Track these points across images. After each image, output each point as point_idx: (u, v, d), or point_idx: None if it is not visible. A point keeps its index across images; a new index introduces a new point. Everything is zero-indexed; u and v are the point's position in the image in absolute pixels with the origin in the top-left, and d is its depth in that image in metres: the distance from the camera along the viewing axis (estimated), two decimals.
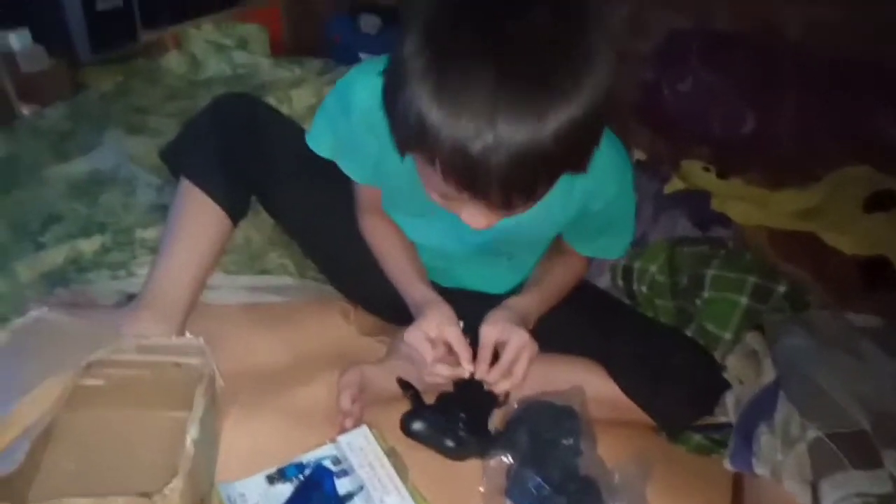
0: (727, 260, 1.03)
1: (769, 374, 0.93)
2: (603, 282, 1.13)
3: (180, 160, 0.93)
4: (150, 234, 1.09)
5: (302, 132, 0.94)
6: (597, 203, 0.81)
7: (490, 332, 0.78)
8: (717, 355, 0.94)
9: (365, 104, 0.75)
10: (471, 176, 0.55)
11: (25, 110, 1.52)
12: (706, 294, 1.00)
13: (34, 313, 0.77)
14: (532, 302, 0.85)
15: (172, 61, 1.81)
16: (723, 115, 1.58)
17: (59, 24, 1.53)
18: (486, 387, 0.79)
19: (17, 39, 1.48)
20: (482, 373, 0.77)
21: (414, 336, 0.78)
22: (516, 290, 0.90)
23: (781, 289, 0.98)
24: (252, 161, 0.91)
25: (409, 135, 0.57)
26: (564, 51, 0.53)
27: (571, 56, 0.53)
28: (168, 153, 0.97)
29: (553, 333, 0.87)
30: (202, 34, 1.85)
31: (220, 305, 1.01)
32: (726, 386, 0.91)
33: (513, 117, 0.52)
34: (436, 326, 0.78)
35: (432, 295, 0.84)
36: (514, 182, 0.56)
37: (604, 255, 0.95)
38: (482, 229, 0.66)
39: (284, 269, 1.12)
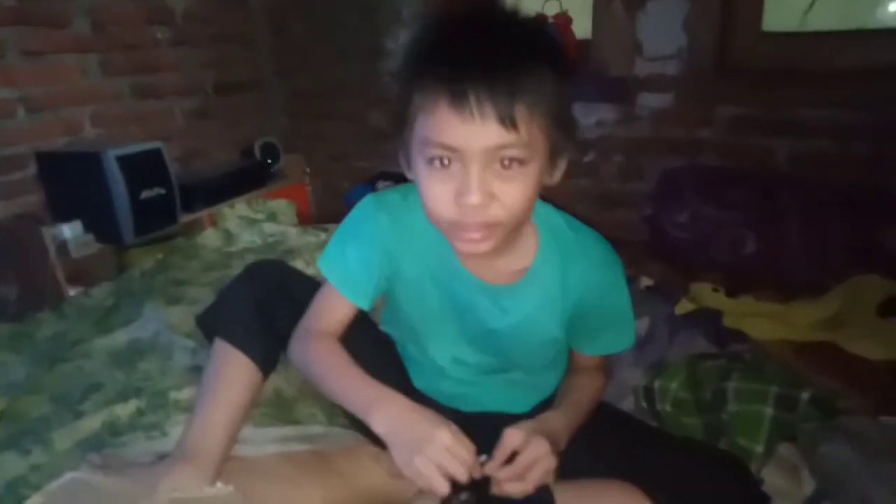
0: (747, 371, 1.05)
1: (810, 486, 0.90)
2: (626, 405, 1.13)
3: (215, 322, 1.00)
4: (184, 394, 1.14)
5: None
6: (592, 295, 0.84)
7: (513, 435, 0.77)
8: (751, 468, 0.92)
9: (380, 222, 0.86)
10: (464, 84, 0.65)
11: (72, 292, 1.65)
12: (731, 407, 1.00)
13: (69, 474, 0.80)
14: (561, 419, 0.85)
15: (209, 237, 1.97)
16: (723, 240, 1.65)
17: (108, 215, 1.70)
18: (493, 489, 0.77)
19: (70, 230, 1.65)
20: (494, 469, 0.75)
21: (423, 463, 0.73)
22: (538, 410, 0.91)
23: (805, 395, 0.99)
24: (282, 318, 0.97)
25: (411, 109, 0.70)
26: None
27: None
28: (203, 318, 1.06)
29: (583, 458, 0.86)
30: (235, 211, 2.03)
31: (251, 457, 1.02)
32: (767, 499, 0.88)
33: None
34: (442, 447, 0.73)
35: (387, 390, 0.81)
36: (496, 73, 0.65)
37: (611, 349, 0.94)
38: (478, 202, 0.68)
39: (313, 419, 1.14)
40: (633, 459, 0.90)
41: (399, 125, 0.74)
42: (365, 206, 0.89)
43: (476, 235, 0.72)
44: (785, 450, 0.98)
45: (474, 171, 0.68)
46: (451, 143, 0.68)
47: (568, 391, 0.92)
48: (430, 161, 0.71)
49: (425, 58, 0.70)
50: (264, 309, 0.97)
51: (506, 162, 0.69)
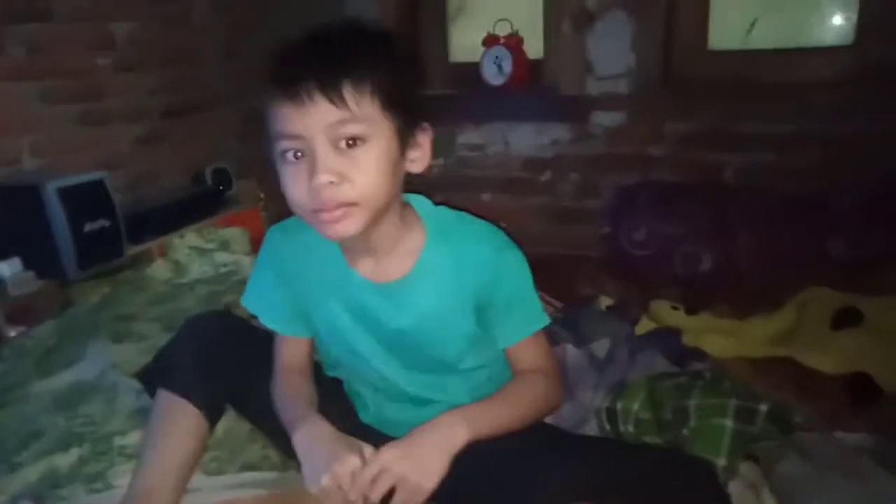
0: (707, 388, 1.05)
1: None
2: (589, 429, 1.12)
3: (157, 375, 0.98)
4: (129, 440, 1.08)
5: (270, 337, 1.01)
6: (488, 279, 0.84)
7: (373, 461, 0.77)
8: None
9: (280, 248, 0.91)
10: (294, 75, 0.72)
11: (13, 332, 1.57)
12: (692, 423, 1.00)
13: None
14: (459, 410, 0.83)
15: (158, 269, 1.90)
16: (679, 256, 1.67)
17: (49, 250, 1.63)
18: None
19: (8, 267, 1.57)
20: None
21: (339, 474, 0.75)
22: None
23: (763, 408, 1.00)
24: (227, 368, 0.96)
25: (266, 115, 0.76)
26: None
27: None
28: (145, 373, 1.03)
29: (544, 481, 0.84)
30: (186, 241, 1.97)
31: None
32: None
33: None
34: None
35: (314, 414, 0.84)
36: (322, 56, 0.73)
37: (524, 331, 0.90)
38: (325, 181, 0.72)
39: (267, 461, 1.10)
40: (596, 475, 0.88)
41: (265, 135, 0.79)
42: (267, 238, 0.94)
43: (336, 214, 0.74)
44: (746, 469, 0.98)
45: (320, 153, 0.72)
46: (293, 131, 0.73)
47: (496, 394, 0.89)
48: (283, 155, 0.76)
49: (273, 70, 0.76)
50: (207, 359, 0.95)
51: (349, 141, 0.73)
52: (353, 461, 0.75)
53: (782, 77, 1.78)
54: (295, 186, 0.75)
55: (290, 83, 0.72)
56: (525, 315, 0.89)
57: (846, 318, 1.37)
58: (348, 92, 0.72)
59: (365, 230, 0.77)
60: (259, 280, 0.95)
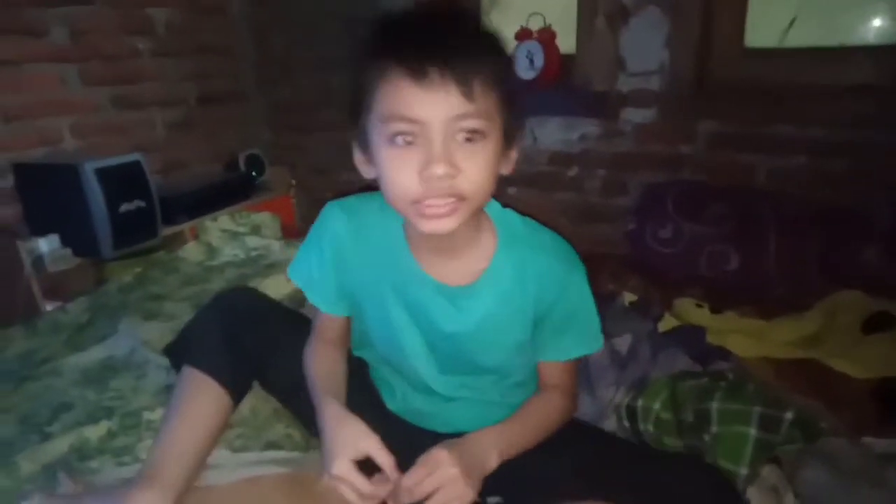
0: (730, 392, 1.03)
1: None
2: (609, 424, 1.11)
3: (183, 350, 0.99)
4: (157, 415, 1.11)
5: (297, 316, 1.05)
6: (551, 293, 0.83)
7: (433, 456, 0.78)
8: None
9: (337, 227, 0.88)
10: (421, 57, 0.67)
11: (49, 306, 1.62)
12: (714, 429, 0.99)
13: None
14: (494, 437, 0.83)
15: (190, 251, 1.94)
16: (706, 256, 1.65)
17: (86, 228, 1.67)
18: None
19: (46, 244, 1.62)
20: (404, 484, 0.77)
21: (340, 467, 0.78)
22: None
23: (789, 415, 0.98)
24: (251, 344, 0.97)
25: (367, 92, 0.72)
26: None
27: None
28: (171, 348, 1.06)
29: (562, 476, 0.85)
30: (218, 225, 2.00)
31: (219, 485, 1.00)
32: None
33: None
34: (352, 447, 0.79)
35: (343, 412, 0.84)
36: (453, 47, 0.68)
37: (576, 351, 0.91)
38: (444, 173, 0.69)
39: (290, 440, 1.12)
40: (610, 476, 0.88)
41: (356, 113, 0.76)
42: (325, 213, 0.91)
43: (442, 208, 0.72)
44: (768, 472, 0.96)
45: (438, 142, 0.69)
46: (414, 116, 0.69)
47: (521, 408, 0.90)
48: (393, 139, 0.71)
49: (387, 42, 0.72)
50: (233, 336, 0.96)
51: (468, 134, 0.70)
52: (339, 467, 0.78)
53: (819, 79, 1.74)
54: (400, 172, 0.71)
55: (419, 62, 0.67)
56: (581, 335, 0.90)
57: (877, 323, 1.34)
58: (478, 83, 0.69)
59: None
60: (309, 253, 0.92)
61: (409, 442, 0.94)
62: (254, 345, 0.96)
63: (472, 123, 0.70)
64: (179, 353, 1.01)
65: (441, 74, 0.67)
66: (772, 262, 1.60)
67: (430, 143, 0.69)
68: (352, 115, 0.77)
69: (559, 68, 2.03)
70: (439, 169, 0.69)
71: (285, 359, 0.99)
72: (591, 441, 0.96)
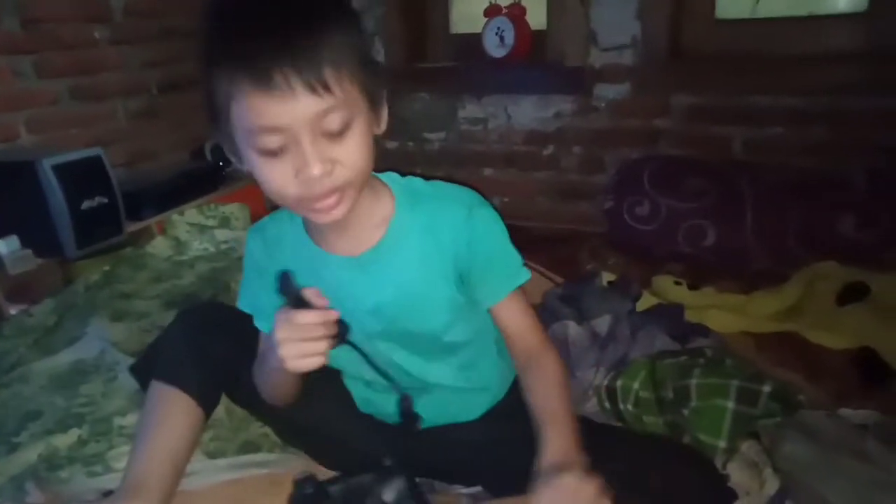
0: (708, 368, 1.04)
1: (773, 485, 0.90)
2: (590, 407, 1.11)
3: (150, 368, 0.97)
4: (128, 420, 1.08)
5: None
6: (464, 237, 0.81)
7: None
8: (715, 464, 0.91)
9: (254, 252, 0.88)
10: (265, 63, 0.63)
11: (13, 310, 1.57)
12: (693, 403, 0.99)
13: None
14: (560, 441, 0.78)
15: (158, 246, 1.88)
16: (683, 232, 1.64)
17: (47, 228, 1.62)
18: None
19: (5, 245, 1.56)
20: None
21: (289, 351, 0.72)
22: (492, 415, 0.90)
23: (766, 389, 0.98)
24: (220, 358, 0.95)
25: (221, 100, 0.67)
26: None
27: None
28: (137, 367, 1.04)
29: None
30: (185, 218, 1.95)
31: (199, 490, 0.98)
32: (732, 495, 0.87)
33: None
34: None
35: None
36: (293, 42, 0.63)
37: (508, 286, 0.86)
38: (320, 173, 0.66)
39: (267, 438, 1.10)
40: (591, 462, 0.87)
41: (214, 117, 0.71)
42: (246, 241, 0.91)
43: (330, 201, 0.71)
44: (748, 447, 0.97)
45: (307, 144, 0.66)
46: (274, 125, 0.66)
47: (538, 402, 0.84)
48: (262, 151, 0.68)
49: (218, 38, 0.67)
50: (200, 349, 0.94)
51: (334, 129, 0.67)
52: (282, 318, 0.72)
53: (792, 49, 1.73)
54: (279, 180, 0.69)
55: (262, 75, 0.63)
56: (506, 270, 0.86)
57: (853, 294, 1.35)
58: (331, 77, 0.65)
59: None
60: (246, 283, 0.93)
61: (387, 440, 0.92)
62: (222, 358, 0.95)
63: (335, 119, 0.67)
64: (147, 370, 0.99)
65: (288, 78, 0.63)
66: (749, 235, 1.60)
67: (299, 147, 0.66)
68: (210, 118, 0.72)
69: (530, 45, 1.99)
70: (315, 170, 0.67)
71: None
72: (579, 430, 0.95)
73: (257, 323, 0.91)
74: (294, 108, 0.64)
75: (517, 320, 0.87)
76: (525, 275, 0.87)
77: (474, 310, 0.87)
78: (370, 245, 0.82)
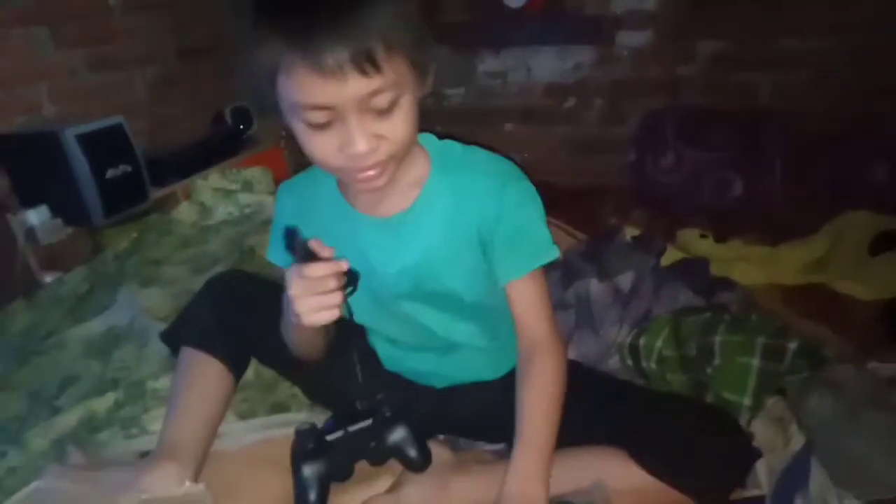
0: (733, 324, 1.02)
1: (798, 441, 0.89)
2: (613, 364, 1.11)
3: (180, 334, 1.00)
4: (161, 383, 1.11)
5: None
6: (491, 209, 0.80)
7: None
8: (739, 422, 0.91)
9: (285, 208, 0.89)
10: (314, 42, 0.61)
11: (48, 278, 1.61)
12: (717, 361, 0.98)
13: (33, 484, 0.78)
14: (525, 467, 0.79)
15: (183, 212, 1.91)
16: (709, 183, 1.60)
17: (74, 197, 1.64)
18: None
19: (36, 215, 1.59)
20: None
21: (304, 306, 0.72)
22: (514, 373, 0.88)
23: (792, 345, 0.97)
24: (247, 324, 0.97)
25: (264, 70, 0.66)
26: None
27: None
28: (167, 334, 1.06)
29: (564, 428, 0.84)
30: (209, 183, 1.97)
31: (231, 450, 1.01)
32: (756, 453, 0.86)
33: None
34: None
35: None
36: (343, 19, 0.62)
37: (528, 264, 0.84)
38: (366, 150, 0.67)
39: (296, 399, 1.12)
40: (617, 421, 0.88)
41: (253, 81, 0.69)
42: (277, 196, 0.92)
43: (372, 173, 0.72)
44: (773, 404, 0.96)
45: (353, 122, 0.67)
46: (322, 103, 0.65)
47: (520, 418, 0.83)
48: (308, 124, 0.68)
49: (266, 9, 0.65)
50: (228, 317, 0.97)
51: (382, 105, 0.67)
52: (292, 274, 0.72)
53: None
54: (323, 151, 0.70)
55: (312, 53, 0.62)
56: (529, 248, 0.84)
57: (884, 243, 1.31)
58: (381, 57, 0.64)
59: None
60: (275, 236, 0.93)
61: (412, 397, 0.94)
62: (248, 324, 0.97)
63: (384, 98, 0.67)
64: (176, 337, 1.01)
65: (339, 59, 0.62)
66: (777, 186, 1.56)
67: (346, 124, 0.67)
68: (247, 81, 0.70)
69: None
70: (360, 147, 0.67)
71: (280, 337, 0.98)
72: (600, 386, 0.95)
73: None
74: (344, 88, 0.64)
75: (529, 303, 0.85)
76: (551, 255, 0.85)
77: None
78: (402, 208, 0.82)
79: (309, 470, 0.81)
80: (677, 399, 1.01)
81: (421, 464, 0.85)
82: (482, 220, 0.81)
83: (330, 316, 0.72)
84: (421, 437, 0.86)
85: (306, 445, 0.81)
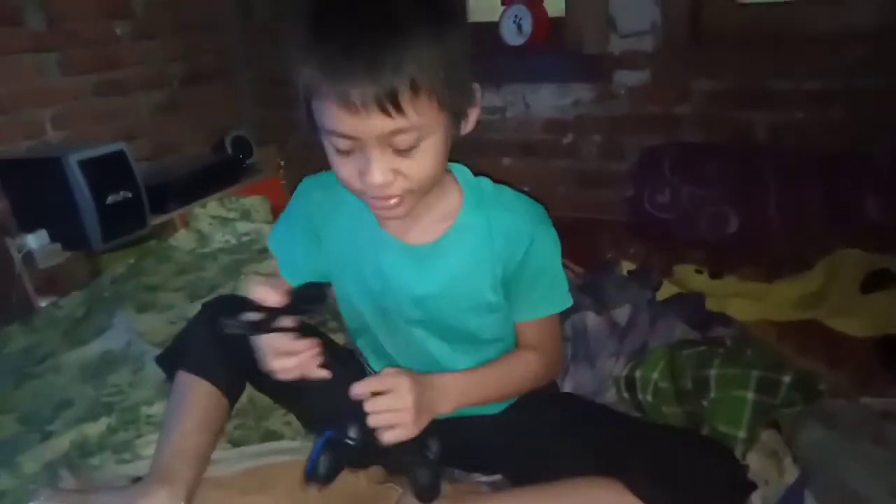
0: (728, 357, 1.03)
1: (792, 474, 0.89)
2: (609, 396, 1.11)
3: (175, 359, 0.99)
4: (155, 409, 1.11)
5: None
6: (517, 249, 0.83)
7: (388, 375, 0.79)
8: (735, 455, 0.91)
9: (310, 203, 0.90)
10: (344, 76, 0.63)
11: (43, 302, 1.61)
12: (712, 394, 0.98)
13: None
14: (458, 381, 0.85)
15: (181, 239, 1.92)
16: (705, 219, 1.63)
17: (74, 221, 1.65)
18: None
19: (35, 239, 1.60)
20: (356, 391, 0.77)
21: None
22: (512, 411, 0.91)
23: (787, 378, 0.97)
24: (242, 346, 0.96)
25: (302, 89, 0.70)
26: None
27: None
28: (163, 358, 1.06)
29: (560, 457, 0.84)
30: (207, 211, 1.98)
31: (224, 476, 1.00)
32: (752, 485, 0.86)
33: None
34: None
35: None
36: (375, 58, 0.63)
37: (548, 309, 0.89)
38: (382, 182, 0.69)
39: (289, 427, 1.12)
40: (613, 452, 0.88)
41: (295, 93, 0.73)
42: (300, 188, 0.93)
43: (391, 203, 0.74)
44: (767, 436, 0.96)
45: (374, 155, 0.69)
46: (346, 132, 0.68)
47: (488, 363, 0.89)
48: (334, 147, 0.72)
49: (308, 35, 0.67)
50: (222, 340, 0.93)
51: (402, 146, 0.69)
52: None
53: (814, 29, 1.70)
54: (345, 174, 0.73)
55: (340, 87, 0.64)
56: (549, 294, 0.88)
57: (877, 281, 1.33)
58: (406, 101, 0.65)
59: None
60: (285, 225, 0.95)
61: None
62: (244, 348, 0.96)
63: (405, 139, 0.68)
64: (172, 361, 1.01)
65: (364, 97, 0.64)
66: (773, 220, 1.58)
67: (366, 155, 0.69)
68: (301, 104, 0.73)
69: (548, 32, 1.98)
70: (377, 179, 0.69)
71: None
72: (596, 418, 0.95)
73: (282, 266, 0.95)
74: (366, 124, 0.66)
75: (539, 342, 0.90)
76: (567, 302, 0.90)
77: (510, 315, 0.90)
78: (430, 239, 0.84)
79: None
80: (673, 430, 1.01)
81: (430, 494, 0.84)
82: (509, 259, 0.84)
83: (302, 371, 0.77)
84: (440, 471, 0.84)
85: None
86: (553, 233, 0.86)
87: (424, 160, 0.71)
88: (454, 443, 0.95)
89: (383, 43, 0.64)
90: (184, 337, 1.03)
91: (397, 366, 0.93)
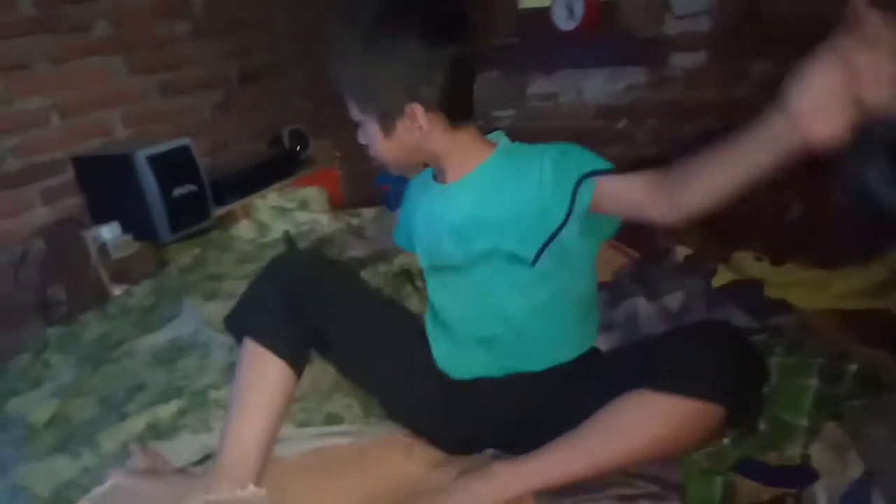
0: (789, 346, 1.01)
1: (857, 468, 0.87)
2: None
3: (242, 323, 1.00)
4: (222, 393, 1.16)
5: (357, 279, 1.11)
6: (533, 169, 0.91)
7: None
8: (795, 444, 0.90)
9: (410, 188, 1.12)
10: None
11: (116, 291, 1.70)
12: (773, 382, 0.96)
13: (111, 481, 0.83)
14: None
15: (243, 229, 1.99)
16: (765, 205, 1.58)
17: (143, 214, 1.74)
18: None
19: (108, 231, 1.69)
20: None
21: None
22: (554, 373, 0.96)
23: (852, 367, 0.94)
24: (310, 312, 0.97)
25: None
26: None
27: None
28: (231, 319, 1.06)
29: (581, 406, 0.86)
30: (267, 202, 2.05)
31: (288, 457, 1.04)
32: (814, 474, 0.85)
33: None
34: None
35: None
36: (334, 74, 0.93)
37: (596, 164, 0.91)
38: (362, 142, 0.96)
39: (350, 410, 1.15)
40: (634, 374, 0.85)
41: None
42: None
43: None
44: (831, 429, 0.94)
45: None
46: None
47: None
48: None
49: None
50: (291, 303, 0.96)
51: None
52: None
53: (879, 4, 1.62)
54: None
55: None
56: (587, 160, 0.91)
57: None
58: (349, 102, 0.95)
59: (429, 163, 1.01)
60: (403, 221, 1.15)
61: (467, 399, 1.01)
62: (314, 313, 0.97)
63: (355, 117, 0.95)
64: (240, 322, 1.01)
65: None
66: (836, 208, 1.52)
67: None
68: None
69: (600, 16, 1.95)
70: (360, 139, 0.98)
71: (347, 327, 1.00)
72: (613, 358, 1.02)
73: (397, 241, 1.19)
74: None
75: (626, 182, 0.90)
76: (609, 165, 0.92)
77: (559, 246, 0.91)
78: (459, 178, 0.98)
79: None
80: (684, 327, 1.06)
81: None
82: (533, 180, 0.90)
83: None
84: None
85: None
86: (568, 145, 0.93)
87: (369, 139, 0.96)
88: (488, 411, 0.98)
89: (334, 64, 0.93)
90: (251, 296, 1.01)
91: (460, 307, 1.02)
